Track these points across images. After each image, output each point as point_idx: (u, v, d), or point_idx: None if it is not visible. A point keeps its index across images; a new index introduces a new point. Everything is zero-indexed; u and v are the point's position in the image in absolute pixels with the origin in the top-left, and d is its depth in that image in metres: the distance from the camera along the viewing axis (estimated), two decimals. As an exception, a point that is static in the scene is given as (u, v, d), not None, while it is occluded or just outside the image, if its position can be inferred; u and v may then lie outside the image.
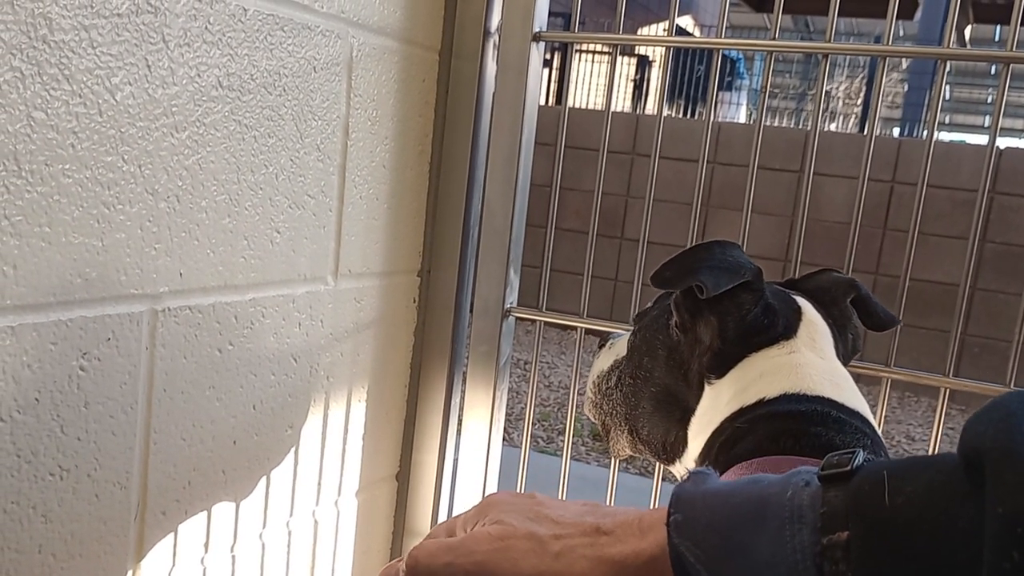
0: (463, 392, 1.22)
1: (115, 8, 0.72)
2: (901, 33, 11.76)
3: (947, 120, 15.24)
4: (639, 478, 3.54)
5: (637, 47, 8.94)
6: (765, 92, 1.11)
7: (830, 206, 5.13)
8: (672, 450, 0.80)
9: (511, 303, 1.19)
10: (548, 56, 8.05)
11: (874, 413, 0.75)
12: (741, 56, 10.44)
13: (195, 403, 0.87)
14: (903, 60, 7.88)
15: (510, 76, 1.14)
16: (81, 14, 0.70)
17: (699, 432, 0.75)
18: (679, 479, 0.80)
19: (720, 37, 1.10)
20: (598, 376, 0.91)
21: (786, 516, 0.45)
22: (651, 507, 1.13)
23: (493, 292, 1.18)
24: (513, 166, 1.15)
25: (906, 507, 0.43)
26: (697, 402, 0.77)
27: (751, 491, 0.48)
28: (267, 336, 0.95)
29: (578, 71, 8.61)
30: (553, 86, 8.38)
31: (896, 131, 9.75)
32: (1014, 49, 0.95)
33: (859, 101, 10.97)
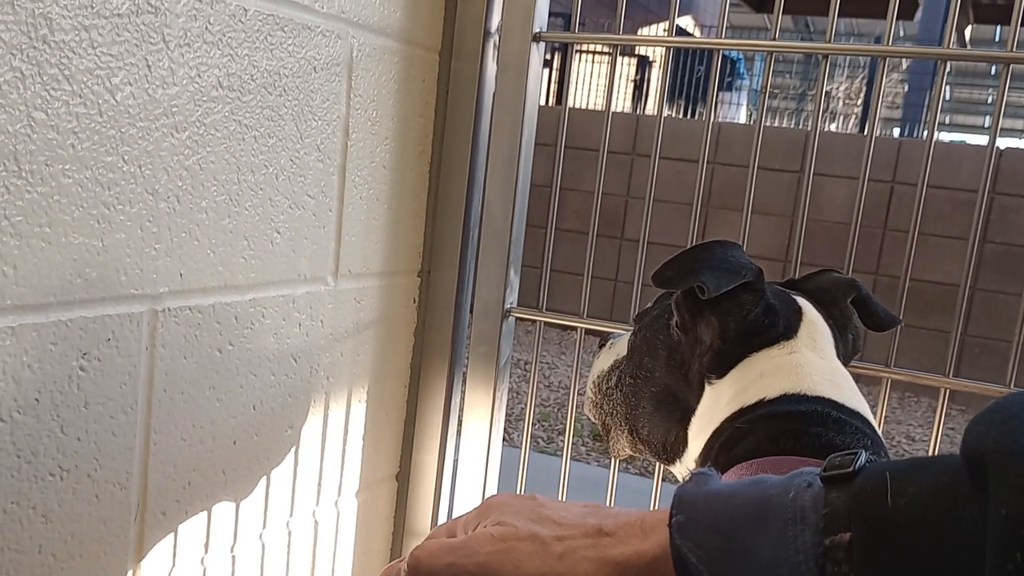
0: (463, 392, 1.22)
1: (115, 8, 0.72)
2: (901, 33, 11.76)
3: (947, 120, 15.24)
4: (639, 478, 3.54)
5: (637, 47, 8.94)
6: (765, 92, 1.11)
7: (830, 206, 5.13)
8: (672, 450, 0.80)
9: (511, 303, 1.19)
10: (548, 56, 8.05)
11: (874, 413, 0.75)
12: (741, 56, 10.44)
13: (195, 403, 0.87)
14: (903, 60, 7.87)
15: (510, 76, 1.14)
16: (81, 14, 0.70)
17: (699, 432, 0.75)
18: (679, 479, 0.80)
19: (720, 37, 1.10)
20: (598, 376, 0.91)
21: (788, 517, 0.45)
22: (651, 507, 1.13)
23: (493, 292, 1.18)
24: (513, 166, 1.15)
25: (909, 508, 0.43)
26: (697, 402, 0.76)
27: (753, 492, 0.48)
28: (267, 336, 0.95)
29: (578, 71, 8.61)
30: (553, 86, 8.38)
31: (896, 131, 9.75)
32: (1014, 49, 0.95)
33: (859, 101, 10.97)
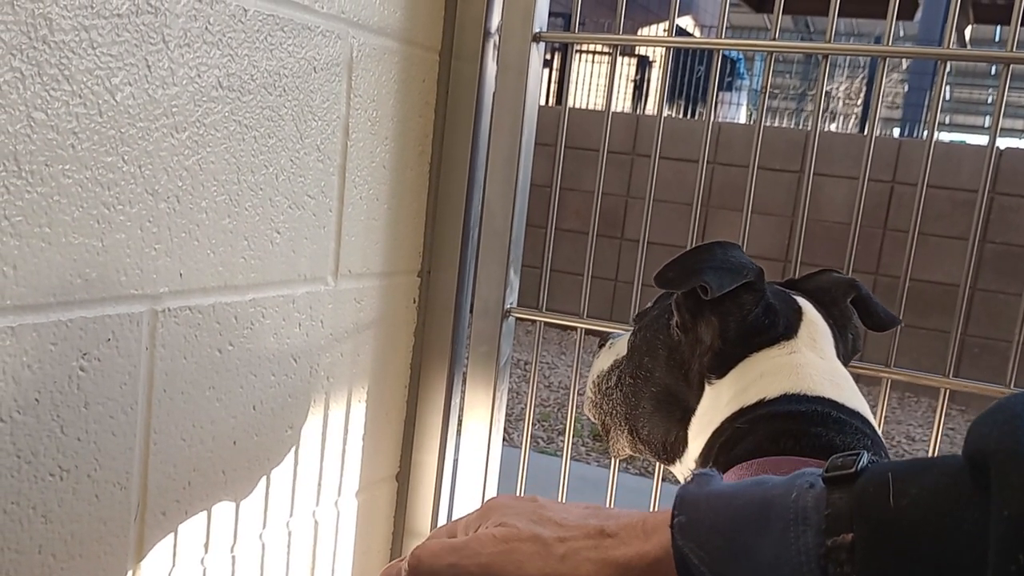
0: (463, 392, 1.22)
1: (115, 8, 0.72)
2: (901, 33, 11.76)
3: (947, 120, 15.25)
4: (639, 478, 3.54)
5: (637, 47, 8.94)
6: (765, 92, 1.11)
7: (830, 206, 5.13)
8: (672, 450, 0.80)
9: (511, 303, 1.19)
10: (548, 56, 8.05)
11: (874, 413, 0.75)
12: (741, 56, 10.44)
13: (195, 403, 0.87)
14: (903, 60, 7.87)
15: (510, 76, 1.14)
16: (81, 15, 0.70)
17: (699, 432, 0.75)
18: (679, 479, 0.80)
19: (720, 37, 1.10)
20: (598, 376, 0.91)
21: (790, 518, 0.45)
22: (651, 507, 1.13)
23: (493, 292, 1.18)
24: (513, 166, 1.15)
25: (911, 509, 0.42)
26: (697, 402, 0.77)
27: (755, 493, 0.48)
28: (267, 336, 0.95)
29: (578, 71, 8.61)
30: (553, 86, 8.38)
31: (896, 131, 9.76)
32: (1014, 49, 0.95)
33: (859, 101, 10.97)
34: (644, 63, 9.23)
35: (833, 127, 10.00)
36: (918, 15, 9.08)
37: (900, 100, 9.76)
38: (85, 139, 0.72)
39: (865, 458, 0.46)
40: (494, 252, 1.17)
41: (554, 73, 8.47)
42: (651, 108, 8.76)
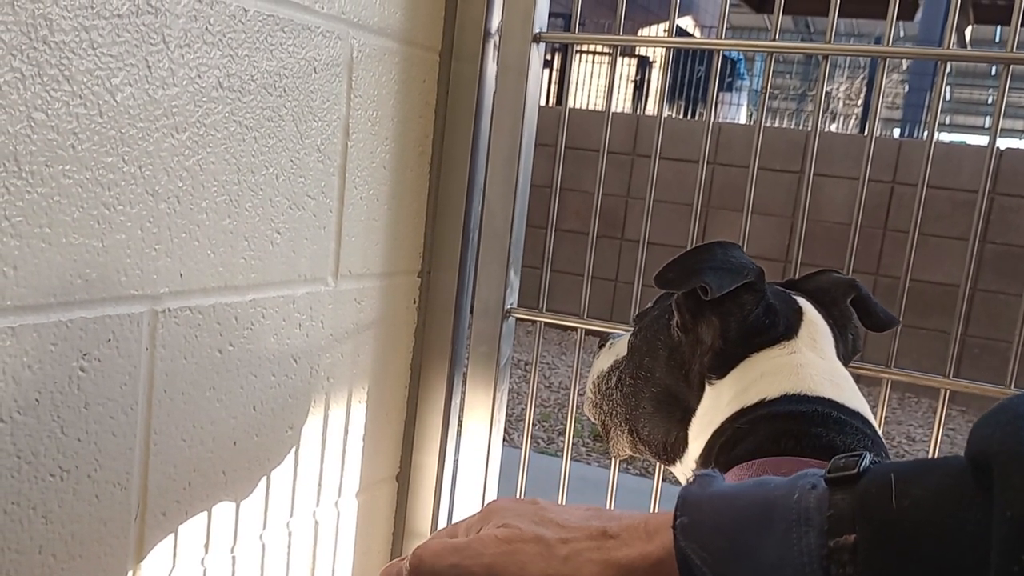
0: (463, 393, 1.22)
1: (115, 9, 0.72)
2: (901, 34, 11.76)
3: (947, 121, 15.25)
4: (639, 479, 3.54)
5: (637, 48, 8.95)
6: (765, 93, 1.11)
7: (830, 207, 5.13)
8: (672, 451, 0.80)
9: (511, 304, 1.19)
10: (548, 57, 8.05)
11: (874, 414, 0.75)
12: (741, 57, 10.44)
13: (195, 404, 0.87)
14: (903, 61, 7.87)
15: (510, 77, 1.14)
16: (81, 15, 0.70)
17: (700, 433, 0.75)
18: (680, 480, 0.80)
19: (720, 38, 1.10)
20: (598, 376, 0.91)
21: (793, 519, 0.45)
22: (652, 508, 1.13)
23: (493, 293, 1.18)
24: (513, 167, 1.15)
25: (913, 510, 0.42)
26: (698, 402, 0.76)
27: (757, 494, 0.48)
28: (267, 337, 0.95)
29: (578, 72, 8.61)
30: (553, 87, 8.38)
31: (896, 132, 9.75)
32: (1014, 50, 0.95)
33: (859, 102, 10.97)
34: (644, 63, 9.23)
35: (833, 127, 10.00)
36: (918, 15, 9.08)
37: (900, 100, 9.77)
38: (85, 139, 0.72)
39: (867, 459, 0.46)
40: (494, 252, 1.17)
41: (554, 73, 8.47)
42: (651, 108, 8.76)
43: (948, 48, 0.98)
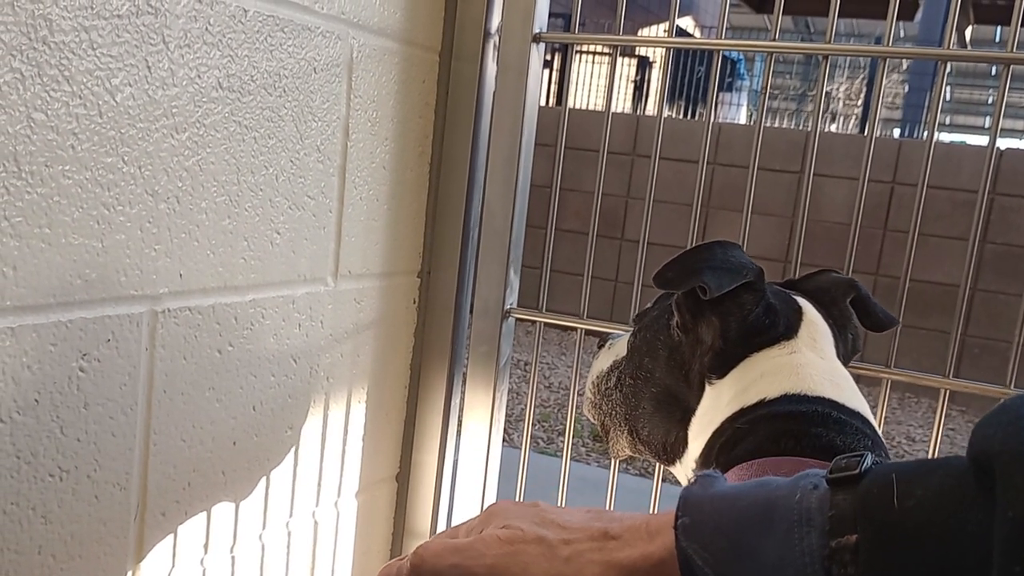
0: (463, 393, 1.22)
1: (115, 9, 0.72)
2: (901, 34, 11.76)
3: (947, 121, 15.25)
4: (639, 479, 3.54)
5: (637, 48, 8.95)
6: (765, 93, 1.11)
7: (830, 207, 5.13)
8: (672, 451, 0.80)
9: (511, 304, 1.19)
10: (548, 57, 8.05)
11: (874, 414, 0.75)
12: (741, 57, 10.44)
13: (195, 404, 0.87)
14: (903, 61, 7.87)
15: (510, 77, 1.14)
16: (81, 15, 0.70)
17: (699, 433, 0.75)
18: (680, 480, 0.80)
19: (720, 38, 1.10)
20: (597, 376, 0.90)
21: (794, 519, 0.45)
22: (652, 508, 1.13)
23: (493, 293, 1.18)
24: (513, 167, 1.15)
25: (915, 510, 0.42)
26: (698, 402, 0.76)
27: (759, 494, 0.48)
28: (267, 337, 0.95)
29: (578, 72, 8.61)
30: (553, 87, 8.38)
31: (896, 132, 9.75)
32: (1014, 50, 0.95)
33: (859, 102, 10.97)
34: (644, 64, 9.23)
35: (833, 128, 10.00)
36: (918, 16, 9.08)
37: (900, 101, 9.76)
38: (85, 140, 0.72)
39: (869, 459, 0.46)
40: (494, 252, 1.17)
41: (554, 74, 8.47)
42: (651, 109, 8.76)
43: (948, 48, 0.98)
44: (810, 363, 0.73)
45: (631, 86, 9.12)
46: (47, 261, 0.71)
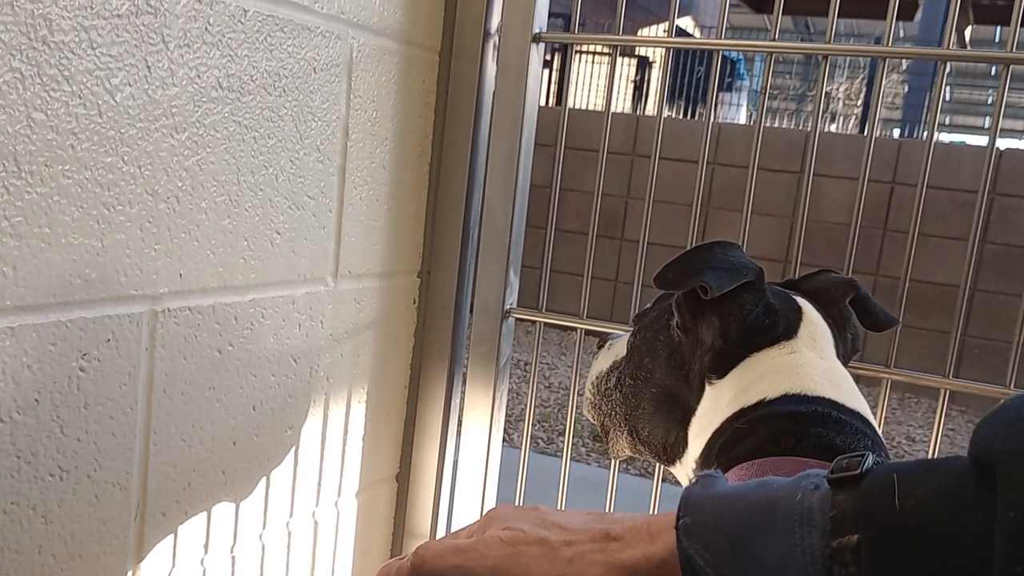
0: (463, 393, 1.22)
1: (115, 9, 0.72)
2: (901, 34, 11.76)
3: (947, 121, 15.24)
4: (639, 479, 3.54)
5: (637, 48, 8.95)
6: (765, 93, 1.11)
7: (830, 207, 5.13)
8: (672, 451, 0.80)
9: (511, 304, 1.19)
10: (548, 57, 8.05)
11: (874, 414, 0.75)
12: (741, 57, 10.44)
13: (195, 404, 0.87)
14: (903, 61, 7.88)
15: (510, 77, 1.14)
16: (81, 15, 0.70)
17: (699, 433, 0.75)
18: (680, 480, 0.80)
19: (720, 38, 1.10)
20: (597, 377, 0.90)
21: (795, 519, 0.45)
22: (652, 508, 1.13)
23: (493, 293, 1.18)
24: (513, 167, 1.15)
25: (916, 511, 0.43)
26: (698, 403, 0.76)
27: (760, 494, 0.48)
28: (267, 337, 0.95)
29: (578, 72, 8.61)
30: (553, 87, 8.38)
31: (896, 132, 9.75)
32: (1014, 50, 0.95)
33: (859, 102, 10.97)
34: (644, 64, 9.23)
35: (833, 128, 10.00)
36: (918, 16, 9.08)
37: (900, 101, 9.76)
38: (85, 139, 0.72)
39: (870, 460, 0.46)
40: (494, 252, 1.17)
41: (554, 73, 8.47)
42: (651, 109, 8.76)
43: (948, 48, 0.98)
44: (810, 363, 0.73)
45: (631, 86, 9.12)
46: (47, 261, 0.71)
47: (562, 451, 1.34)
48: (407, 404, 1.21)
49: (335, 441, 1.09)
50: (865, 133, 5.77)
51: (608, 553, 0.51)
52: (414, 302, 1.18)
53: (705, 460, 0.73)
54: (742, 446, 0.68)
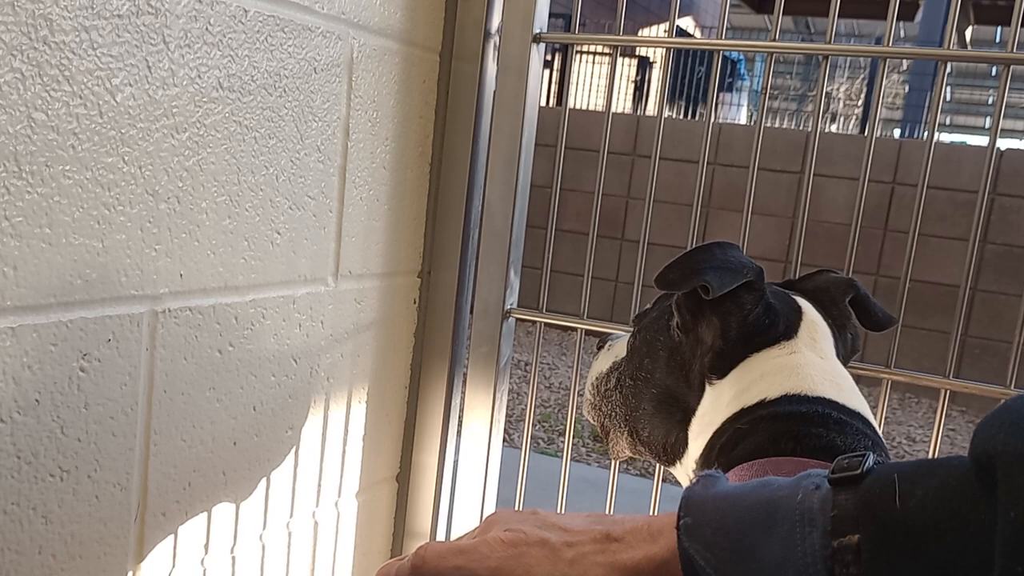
0: (463, 393, 1.22)
1: (115, 9, 0.72)
2: (902, 34, 11.76)
3: (948, 121, 15.24)
4: (639, 479, 3.54)
5: (638, 48, 8.95)
6: (765, 93, 1.11)
7: (831, 207, 5.13)
8: (673, 451, 0.80)
9: (511, 304, 1.19)
10: (549, 57, 8.05)
11: (875, 414, 0.75)
12: (742, 57, 10.44)
13: (195, 404, 0.87)
14: (904, 61, 7.87)
15: (510, 77, 1.14)
16: (82, 15, 0.70)
17: (700, 433, 0.75)
18: (680, 481, 0.80)
19: (720, 38, 1.10)
20: (597, 378, 0.90)
21: (796, 519, 0.45)
22: (652, 509, 1.13)
23: (493, 293, 1.18)
24: (513, 167, 1.15)
25: (917, 510, 0.43)
26: (698, 403, 0.76)
27: (761, 494, 0.48)
28: (267, 337, 0.95)
29: (578, 72, 8.61)
30: (554, 87, 8.38)
31: (897, 132, 9.75)
32: (1014, 50, 0.95)
33: (860, 102, 10.96)
34: (644, 64, 9.23)
35: (834, 128, 9.99)
36: (918, 16, 9.09)
37: (900, 101, 9.76)
38: (85, 140, 0.72)
39: (871, 459, 0.46)
40: (494, 253, 1.17)
41: (554, 74, 8.47)
42: (651, 109, 8.76)
43: (948, 48, 0.98)
44: (810, 363, 0.73)
45: (631, 86, 9.12)
46: (47, 261, 0.71)
47: (562, 451, 1.34)
48: (407, 404, 1.21)
49: (335, 441, 1.09)
50: (865, 133, 5.77)
51: (609, 554, 0.51)
52: (414, 302, 1.19)
53: (705, 460, 0.73)
54: (742, 447, 0.68)
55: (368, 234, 1.07)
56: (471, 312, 1.20)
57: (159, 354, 0.82)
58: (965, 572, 0.41)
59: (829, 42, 1.03)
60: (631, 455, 0.88)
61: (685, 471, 0.79)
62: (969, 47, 10.71)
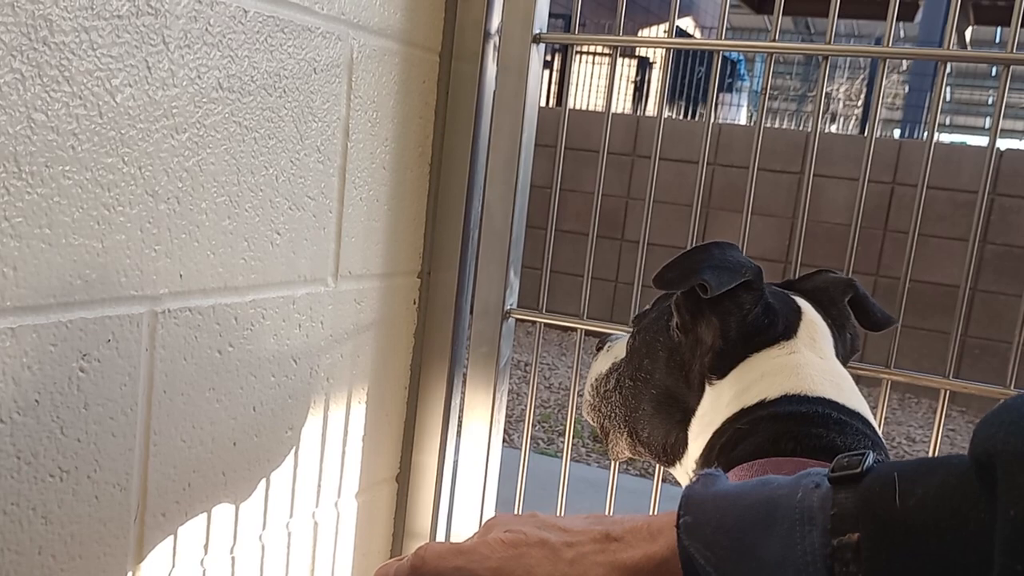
0: (463, 394, 1.22)
1: (115, 10, 0.72)
2: (902, 35, 11.76)
3: (947, 122, 15.24)
4: (639, 480, 3.54)
5: (637, 49, 8.94)
6: (765, 94, 1.11)
7: (831, 208, 5.13)
8: (672, 452, 0.80)
9: (511, 304, 1.19)
10: (548, 57, 8.05)
11: (874, 414, 0.75)
12: (742, 58, 10.44)
13: (195, 405, 0.87)
14: (903, 62, 7.87)
15: (510, 78, 1.14)
16: (81, 16, 0.70)
17: (700, 433, 0.75)
18: (680, 481, 0.80)
19: (720, 39, 1.10)
20: (596, 379, 0.90)
21: (796, 518, 0.45)
22: (652, 509, 1.13)
23: (493, 293, 1.18)
24: (513, 167, 1.15)
25: (917, 509, 0.43)
26: (698, 403, 0.76)
27: (761, 493, 0.48)
28: (267, 338, 0.95)
29: (578, 73, 8.61)
30: (553, 87, 8.38)
31: (897, 133, 9.75)
32: (1014, 51, 0.95)
33: (859, 103, 10.96)
34: (644, 64, 9.23)
35: (833, 128, 9.99)
36: (918, 16, 9.09)
37: (900, 101, 9.76)
38: (85, 140, 0.72)
39: (871, 458, 0.46)
40: (494, 253, 1.17)
41: (554, 74, 8.47)
42: (651, 109, 8.76)
43: (948, 49, 0.98)
44: (810, 363, 0.73)
45: (631, 87, 9.12)
46: (47, 261, 0.71)
47: (562, 452, 1.34)
48: (407, 405, 1.21)
49: (335, 442, 1.09)
50: (865, 134, 5.77)
51: (609, 553, 0.51)
52: (414, 303, 1.19)
53: (705, 461, 0.73)
54: (742, 447, 0.68)
55: (368, 234, 1.07)
56: (471, 312, 1.20)
57: (159, 354, 0.82)
58: (965, 570, 0.41)
59: (829, 42, 1.03)
60: (631, 456, 0.88)
61: (685, 471, 0.79)
62: (969, 47, 10.71)
